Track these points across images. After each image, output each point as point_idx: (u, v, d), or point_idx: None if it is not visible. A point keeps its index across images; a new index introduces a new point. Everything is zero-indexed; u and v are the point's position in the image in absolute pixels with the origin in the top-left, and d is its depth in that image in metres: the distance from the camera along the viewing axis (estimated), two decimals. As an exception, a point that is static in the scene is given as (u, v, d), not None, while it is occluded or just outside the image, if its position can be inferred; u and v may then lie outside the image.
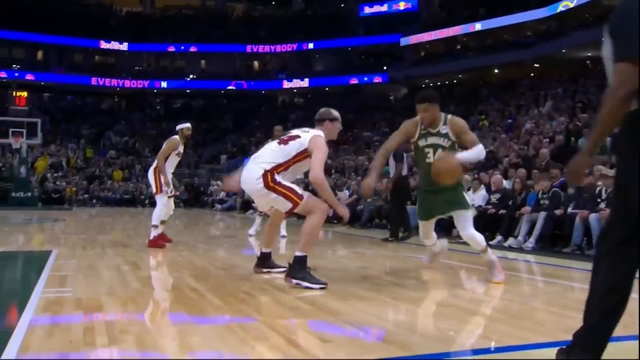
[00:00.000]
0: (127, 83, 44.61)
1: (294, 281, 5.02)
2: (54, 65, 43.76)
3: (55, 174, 34.55)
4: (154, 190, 9.09)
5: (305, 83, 43.11)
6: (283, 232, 10.71)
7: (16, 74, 41.75)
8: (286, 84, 43.95)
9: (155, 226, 8.86)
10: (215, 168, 36.45)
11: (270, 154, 5.39)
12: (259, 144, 36.29)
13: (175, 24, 46.64)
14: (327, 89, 42.29)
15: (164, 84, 44.69)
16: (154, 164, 9.09)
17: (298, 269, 5.07)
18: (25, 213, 21.39)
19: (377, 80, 41.13)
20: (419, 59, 40.41)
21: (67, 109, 44.30)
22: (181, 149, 9.26)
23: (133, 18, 48.46)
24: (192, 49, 44.80)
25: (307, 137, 5.44)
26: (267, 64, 46.34)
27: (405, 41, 39.81)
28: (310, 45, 43.33)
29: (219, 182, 30.30)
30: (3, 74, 41.25)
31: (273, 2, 50.49)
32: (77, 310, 4.09)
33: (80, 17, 44.33)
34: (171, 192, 9.18)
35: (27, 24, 40.99)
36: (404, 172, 11.33)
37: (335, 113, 5.79)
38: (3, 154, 34.11)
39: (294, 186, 5.33)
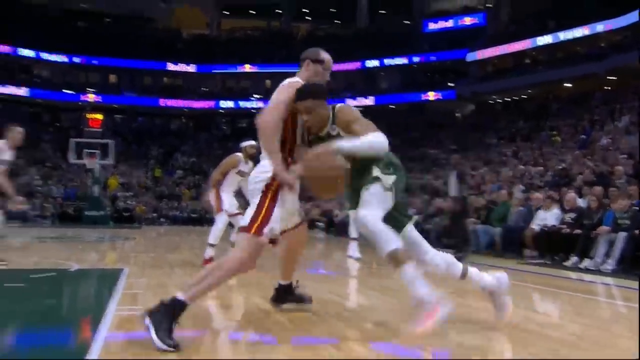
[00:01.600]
0: (194, 104, 45.56)
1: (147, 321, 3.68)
2: (126, 88, 45.03)
3: (126, 194, 35.45)
4: (214, 208, 8.81)
5: (370, 101, 43.00)
6: (356, 253, 10.32)
7: (91, 97, 43.15)
8: (351, 102, 43.95)
9: (212, 245, 8.66)
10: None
11: None
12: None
13: (241, 45, 47.41)
14: (392, 106, 42.15)
15: (230, 104, 45.38)
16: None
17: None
18: (98, 231, 21.95)
19: (443, 97, 40.79)
20: (486, 74, 39.95)
21: (137, 130, 45.43)
22: (244, 167, 8.74)
23: (199, 40, 49.54)
24: (257, 69, 45.35)
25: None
26: (331, 83, 46.43)
27: (471, 57, 39.48)
28: (375, 63, 43.35)
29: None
30: (81, 97, 42.91)
31: (337, 21, 50.79)
32: (149, 328, 4.14)
33: (149, 40, 45.67)
34: (236, 211, 8.77)
35: (101, 49, 42.46)
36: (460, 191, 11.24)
37: (322, 55, 4.76)
38: (78, 174, 35.22)
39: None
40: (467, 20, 42.06)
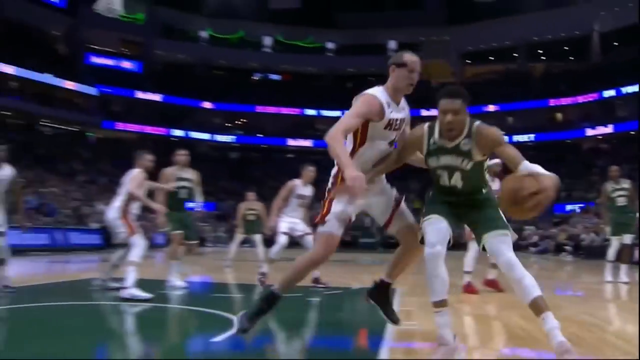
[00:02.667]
0: (446, 144, 45.55)
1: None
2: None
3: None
4: (467, 234, 7.60)
5: (609, 129, 39.85)
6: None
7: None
8: (589, 132, 41.12)
9: (468, 272, 7.86)
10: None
11: None
12: (566, 190, 34.03)
13: (483, 88, 46.74)
14: (632, 132, 38.65)
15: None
16: None
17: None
18: (370, 255, 22.84)
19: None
20: None
21: (398, 169, 46.45)
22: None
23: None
24: (499, 108, 44.33)
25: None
26: (569, 115, 43.92)
27: None
28: (612, 93, 40.13)
29: (530, 227, 29.25)
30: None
31: (571, 58, 48.08)
32: (425, 341, 4.36)
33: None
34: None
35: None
36: None
37: (405, 56, 3.91)
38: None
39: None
40: None
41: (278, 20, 45.44)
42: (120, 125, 41.41)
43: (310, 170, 8.42)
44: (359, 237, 31.01)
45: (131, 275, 6.47)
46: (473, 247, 7.80)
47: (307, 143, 45.30)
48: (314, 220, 4.04)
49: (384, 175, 4.03)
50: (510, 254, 3.54)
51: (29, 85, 37.23)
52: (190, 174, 8.32)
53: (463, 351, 3.81)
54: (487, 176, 3.92)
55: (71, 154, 37.19)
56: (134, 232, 6.85)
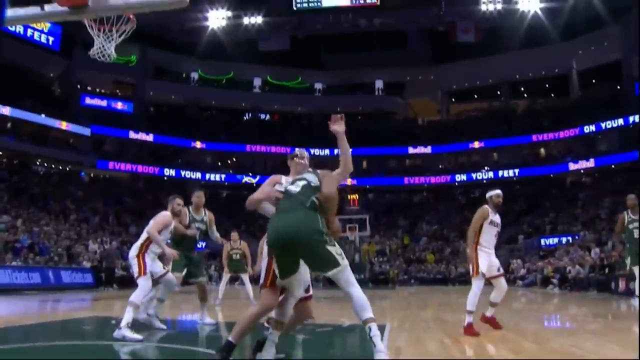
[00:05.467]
0: (433, 179, 45.89)
1: None
2: (375, 171, 46.78)
3: (381, 259, 36.32)
4: (472, 269, 7.21)
5: (590, 163, 40.20)
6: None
7: (349, 181, 45.48)
8: (572, 166, 41.47)
9: (470, 312, 7.03)
10: (515, 247, 35.33)
11: None
12: (551, 224, 34.27)
13: (468, 126, 47.26)
14: (612, 166, 39.03)
15: (463, 177, 45.07)
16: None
17: None
18: (361, 292, 22.65)
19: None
20: None
21: (386, 205, 46.58)
22: (494, 217, 7.38)
23: (433, 126, 50.26)
24: (484, 145, 44.80)
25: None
26: (552, 150, 44.36)
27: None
28: (592, 128, 40.60)
29: (517, 261, 29.38)
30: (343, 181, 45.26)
31: (552, 95, 48.89)
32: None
33: (391, 130, 47.25)
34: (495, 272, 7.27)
35: (355, 141, 44.64)
36: None
37: (295, 151, 5.39)
38: (343, 244, 36.90)
39: None
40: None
41: (267, 62, 45.90)
42: (113, 165, 41.35)
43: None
44: (349, 273, 30.84)
45: (127, 316, 6.35)
46: (477, 285, 7.10)
47: (297, 180, 45.36)
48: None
49: None
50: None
51: (24, 126, 37.23)
52: (205, 215, 8.50)
53: None
54: None
55: (64, 193, 37.00)
56: (144, 273, 6.80)
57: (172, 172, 43.34)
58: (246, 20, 38.57)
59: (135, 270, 6.85)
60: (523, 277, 26.76)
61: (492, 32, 39.65)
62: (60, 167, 40.82)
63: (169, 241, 7.56)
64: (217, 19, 38.23)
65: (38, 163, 39.72)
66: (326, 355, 5.71)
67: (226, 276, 13.45)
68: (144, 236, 7.04)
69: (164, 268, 7.42)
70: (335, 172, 4.84)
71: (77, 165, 40.70)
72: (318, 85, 50.78)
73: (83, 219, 32.77)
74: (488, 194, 7.52)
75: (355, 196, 42.55)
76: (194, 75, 47.95)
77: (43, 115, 37.96)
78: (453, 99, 52.20)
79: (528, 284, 25.35)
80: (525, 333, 6.99)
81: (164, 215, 7.27)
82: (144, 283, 6.75)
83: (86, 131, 40.59)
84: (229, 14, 38.13)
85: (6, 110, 35.79)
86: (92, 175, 42.47)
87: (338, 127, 4.90)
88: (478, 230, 7.21)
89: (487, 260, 7.14)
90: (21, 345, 6.12)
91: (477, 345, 6.11)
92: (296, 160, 5.14)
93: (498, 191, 7.44)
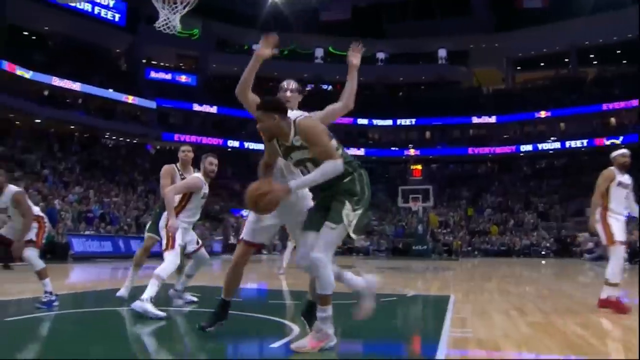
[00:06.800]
0: (497, 150, 44.97)
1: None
2: (438, 141, 46.18)
3: (444, 230, 36.01)
4: (604, 239, 6.50)
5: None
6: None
7: (412, 151, 45.12)
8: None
9: (613, 284, 6.34)
10: (581, 220, 34.28)
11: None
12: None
13: (534, 94, 45.88)
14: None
15: (528, 148, 43.95)
16: None
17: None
18: (423, 263, 22.60)
19: None
20: None
21: (449, 176, 46.02)
22: (623, 178, 6.70)
23: (498, 95, 49.04)
24: (551, 114, 43.43)
25: None
26: (623, 119, 42.52)
27: None
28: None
29: (585, 234, 28.50)
30: (404, 152, 45.15)
31: (624, 62, 46.62)
32: (480, 348, 4.28)
33: (456, 100, 46.34)
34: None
35: (418, 111, 44.63)
36: None
37: (282, 84, 4.81)
38: (405, 215, 36.84)
39: None
40: None
41: (328, 32, 45.66)
42: (178, 137, 42.27)
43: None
44: (412, 244, 30.75)
45: (151, 289, 5.58)
46: (618, 253, 6.38)
47: (360, 152, 45.35)
48: None
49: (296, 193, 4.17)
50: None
51: (93, 101, 38.46)
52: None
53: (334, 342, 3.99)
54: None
55: (132, 165, 38.15)
56: (172, 246, 5.92)
57: (236, 144, 44.03)
58: (307, -9, 38.39)
59: (163, 242, 6.02)
60: (591, 251, 26.01)
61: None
62: (128, 140, 42.08)
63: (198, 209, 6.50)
64: (278, -11, 38.20)
65: (107, 136, 41.04)
66: (391, 325, 5.71)
67: (290, 245, 13.49)
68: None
69: (197, 243, 6.69)
70: (336, 105, 4.63)
71: (144, 138, 41.81)
72: (380, 55, 50.25)
73: (150, 190, 33.71)
74: (612, 155, 6.82)
75: (418, 167, 42.19)
76: (256, 47, 47.79)
77: (111, 90, 39.15)
78: (518, 67, 50.69)
79: (596, 258, 24.62)
80: (593, 307, 6.70)
81: (195, 177, 6.43)
82: (172, 259, 5.87)
83: (152, 104, 41.62)
84: (290, -16, 38.02)
85: (77, 86, 37.10)
86: (158, 147, 43.50)
87: (355, 59, 4.68)
88: (605, 194, 6.58)
89: (619, 226, 6.44)
90: (95, 309, 6.39)
91: (543, 318, 5.98)
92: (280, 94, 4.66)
93: (623, 150, 6.80)
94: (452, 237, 35.16)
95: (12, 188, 6.26)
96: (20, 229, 6.20)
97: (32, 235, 6.32)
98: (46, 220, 6.67)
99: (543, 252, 32.47)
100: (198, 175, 6.42)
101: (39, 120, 35.63)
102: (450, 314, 6.14)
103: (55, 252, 18.96)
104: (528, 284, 11.82)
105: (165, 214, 6.16)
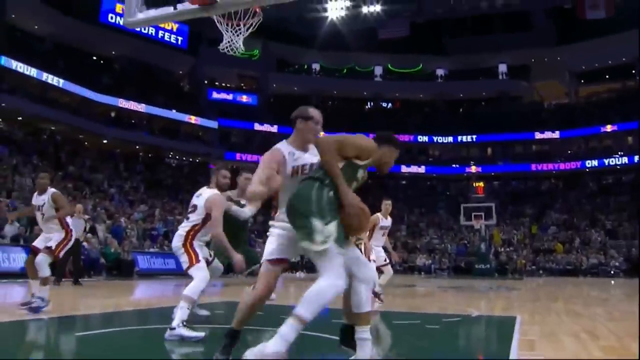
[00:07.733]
0: (562, 166, 43.82)
1: None
2: (500, 157, 45.31)
3: (507, 249, 35.17)
4: None
5: None
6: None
7: (473, 168, 44.42)
8: None
9: None
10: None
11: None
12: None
13: (599, 108, 44.52)
14: None
15: (594, 163, 42.61)
16: None
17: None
18: (486, 282, 22.10)
19: None
20: None
21: (512, 193, 45.01)
22: None
23: (561, 109, 47.88)
24: (617, 128, 42.00)
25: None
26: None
27: None
28: None
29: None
30: (466, 169, 44.53)
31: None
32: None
33: (517, 115, 45.43)
34: None
35: (478, 128, 43.93)
36: None
37: (310, 111, 4.37)
38: (467, 233, 36.23)
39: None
40: None
41: (387, 49, 45.65)
42: (240, 156, 42.89)
43: (387, 204, 8.97)
44: (474, 263, 30.15)
45: (181, 313, 5.32)
46: None
47: (420, 169, 44.98)
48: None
49: None
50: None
51: (157, 121, 39.61)
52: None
53: None
54: None
55: (194, 183, 38.93)
56: (197, 261, 5.76)
57: (296, 162, 44.41)
58: (365, 9, 38.67)
59: (185, 260, 5.81)
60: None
61: (625, 5, 36.84)
62: (191, 159, 43.02)
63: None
64: (335, 9, 38.64)
65: (170, 156, 42.11)
66: (457, 346, 5.58)
67: None
68: (189, 224, 5.91)
69: (210, 255, 6.63)
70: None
71: (206, 157, 42.64)
72: (439, 71, 49.88)
73: (212, 208, 34.24)
74: None
75: (480, 184, 41.45)
76: (315, 66, 48.68)
77: (174, 111, 40.21)
78: (582, 80, 49.29)
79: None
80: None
81: (222, 199, 6.04)
82: (199, 273, 5.69)
83: (214, 124, 42.48)
84: (348, 3, 38.38)
85: (142, 107, 38.30)
86: (220, 166, 44.27)
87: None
88: None
89: None
90: (158, 327, 6.50)
91: (616, 341, 5.71)
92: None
93: None
94: (516, 255, 34.29)
95: (52, 189, 7.43)
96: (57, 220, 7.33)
97: (53, 242, 7.19)
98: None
99: (612, 272, 31.28)
100: (218, 193, 6.03)
101: (105, 141, 36.90)
102: (518, 335, 5.98)
103: (121, 269, 19.53)
104: (597, 305, 11.34)
105: (178, 233, 6.00)
